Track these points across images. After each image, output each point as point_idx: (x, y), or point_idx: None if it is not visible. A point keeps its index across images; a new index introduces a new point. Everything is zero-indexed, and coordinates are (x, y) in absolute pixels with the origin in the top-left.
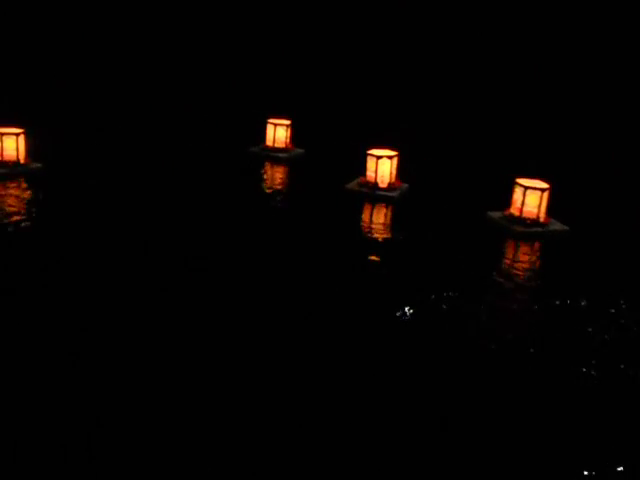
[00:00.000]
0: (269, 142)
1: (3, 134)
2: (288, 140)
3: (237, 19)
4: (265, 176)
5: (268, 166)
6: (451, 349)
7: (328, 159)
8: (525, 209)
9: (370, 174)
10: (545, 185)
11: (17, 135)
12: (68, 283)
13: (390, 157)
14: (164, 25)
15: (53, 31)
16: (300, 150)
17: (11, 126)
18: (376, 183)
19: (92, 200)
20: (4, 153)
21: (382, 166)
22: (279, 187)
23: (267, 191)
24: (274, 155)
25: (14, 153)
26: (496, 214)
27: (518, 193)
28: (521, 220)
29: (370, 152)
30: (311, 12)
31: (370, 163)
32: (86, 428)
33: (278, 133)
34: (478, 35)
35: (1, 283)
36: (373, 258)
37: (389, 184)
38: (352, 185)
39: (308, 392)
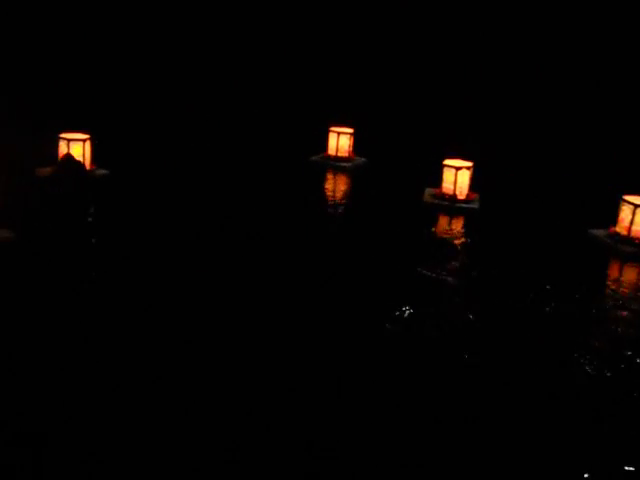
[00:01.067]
0: (331, 151)
1: (70, 140)
2: (350, 149)
3: (302, 25)
4: (327, 186)
5: (330, 175)
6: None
7: (392, 169)
8: (634, 228)
9: (448, 186)
10: None
11: (84, 141)
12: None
13: (469, 168)
14: (227, 30)
15: (121, 37)
16: (363, 159)
17: (78, 132)
18: (454, 195)
19: (156, 206)
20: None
21: (461, 177)
22: (343, 197)
23: (329, 201)
24: (336, 164)
25: (91, 159)
26: (600, 232)
27: (626, 211)
28: (629, 240)
29: (447, 163)
30: (374, 18)
31: (448, 174)
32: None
33: (340, 142)
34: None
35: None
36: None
37: (467, 195)
38: (426, 197)
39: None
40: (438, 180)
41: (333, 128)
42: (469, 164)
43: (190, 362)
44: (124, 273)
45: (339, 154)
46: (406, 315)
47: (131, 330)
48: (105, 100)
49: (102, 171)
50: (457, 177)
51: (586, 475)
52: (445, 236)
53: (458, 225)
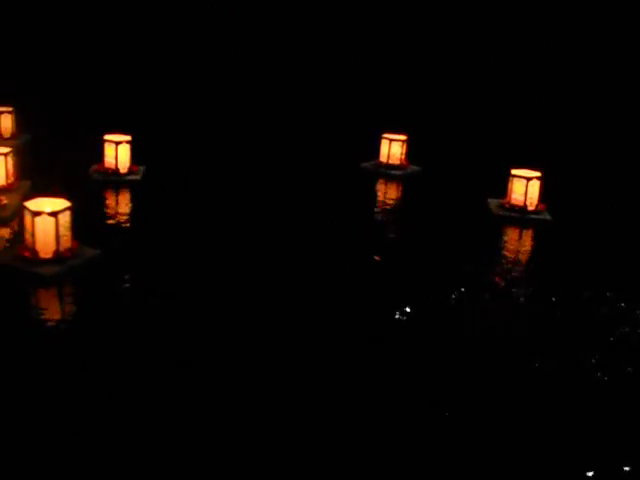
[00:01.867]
0: (383, 158)
1: (118, 142)
2: (403, 157)
3: (358, 31)
4: (378, 193)
5: (381, 183)
6: None
7: (448, 178)
8: None
9: (517, 197)
10: None
11: (117, 144)
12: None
13: (539, 178)
14: (281, 34)
15: (159, 39)
16: (416, 167)
17: (116, 133)
18: (525, 206)
19: (198, 207)
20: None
21: (531, 188)
22: (394, 206)
23: (380, 210)
24: (387, 172)
25: (130, 159)
26: None
27: None
28: None
29: (516, 173)
30: (428, 23)
31: (518, 185)
32: None
33: (393, 149)
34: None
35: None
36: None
37: (536, 206)
38: (493, 208)
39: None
40: (500, 190)
41: (386, 135)
42: (538, 174)
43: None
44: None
45: (391, 161)
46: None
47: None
48: (145, 101)
49: (140, 169)
50: (528, 187)
51: (590, 474)
52: (525, 250)
53: (531, 238)
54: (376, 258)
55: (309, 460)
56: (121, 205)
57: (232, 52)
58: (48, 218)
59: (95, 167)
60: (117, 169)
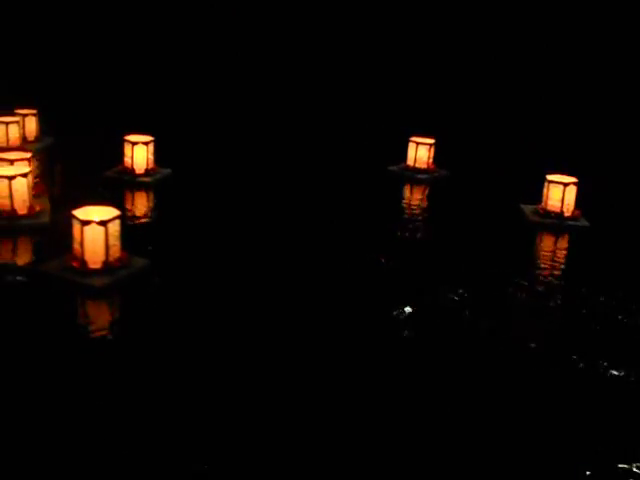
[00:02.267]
0: (410, 162)
1: (135, 143)
2: (430, 160)
3: (386, 34)
4: (401, 197)
5: (407, 187)
6: None
7: (477, 183)
8: None
9: (554, 203)
10: None
11: (147, 143)
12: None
13: (575, 184)
14: (307, 41)
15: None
16: (444, 172)
17: (140, 134)
18: (562, 212)
19: (224, 208)
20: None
21: (568, 194)
22: (417, 210)
23: (401, 214)
24: (414, 175)
25: (147, 160)
26: None
27: None
28: None
29: (553, 179)
30: (461, 24)
31: (555, 191)
32: None
33: (420, 152)
34: None
35: None
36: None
37: (572, 212)
38: (528, 215)
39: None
40: (532, 196)
41: (413, 138)
42: (574, 179)
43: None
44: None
45: (417, 165)
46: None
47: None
48: (168, 102)
49: (166, 171)
50: (565, 193)
51: (588, 473)
52: (564, 256)
53: (569, 244)
54: (382, 260)
55: (309, 460)
56: (136, 206)
57: (261, 55)
58: (97, 227)
59: (114, 168)
60: (133, 170)
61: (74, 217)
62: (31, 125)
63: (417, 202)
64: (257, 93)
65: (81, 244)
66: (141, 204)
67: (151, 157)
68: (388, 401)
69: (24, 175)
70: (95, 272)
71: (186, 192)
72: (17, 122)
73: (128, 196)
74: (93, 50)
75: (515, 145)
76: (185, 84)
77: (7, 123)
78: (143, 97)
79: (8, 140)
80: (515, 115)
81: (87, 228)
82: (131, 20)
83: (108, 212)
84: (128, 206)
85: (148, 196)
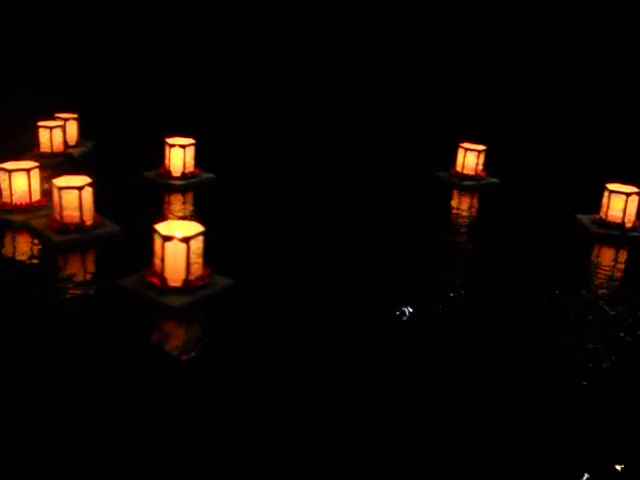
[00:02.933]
0: (458, 167)
1: (172, 146)
2: (479, 167)
3: (437, 39)
4: (445, 203)
5: (452, 193)
6: None
7: (527, 191)
8: None
9: (615, 213)
10: None
11: (186, 146)
12: None
13: (638, 194)
14: (357, 46)
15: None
16: (494, 179)
17: (180, 136)
18: (623, 223)
19: (267, 212)
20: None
21: (631, 204)
22: (460, 217)
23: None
24: (460, 182)
25: (184, 163)
26: None
27: None
28: None
29: (613, 188)
30: (515, 28)
31: (617, 201)
32: None
33: (468, 158)
34: None
35: None
36: None
37: (633, 223)
38: (587, 225)
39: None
40: (587, 205)
41: (463, 144)
42: (636, 189)
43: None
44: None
45: (465, 171)
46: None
47: None
48: (209, 105)
49: (208, 175)
50: (627, 204)
51: (586, 475)
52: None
53: (632, 256)
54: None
55: (308, 460)
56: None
57: (306, 60)
58: (179, 244)
59: (155, 170)
60: (169, 172)
61: (156, 231)
62: (72, 130)
63: (458, 208)
64: (306, 98)
65: (162, 260)
66: (172, 207)
67: (190, 160)
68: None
69: (90, 184)
70: (175, 290)
71: (220, 196)
72: (61, 127)
73: (157, 197)
74: (143, 55)
75: (571, 153)
76: (234, 90)
77: (51, 128)
78: (199, 102)
79: (52, 145)
80: (574, 121)
81: (168, 244)
82: (178, 25)
83: (191, 228)
84: (154, 206)
85: (179, 199)
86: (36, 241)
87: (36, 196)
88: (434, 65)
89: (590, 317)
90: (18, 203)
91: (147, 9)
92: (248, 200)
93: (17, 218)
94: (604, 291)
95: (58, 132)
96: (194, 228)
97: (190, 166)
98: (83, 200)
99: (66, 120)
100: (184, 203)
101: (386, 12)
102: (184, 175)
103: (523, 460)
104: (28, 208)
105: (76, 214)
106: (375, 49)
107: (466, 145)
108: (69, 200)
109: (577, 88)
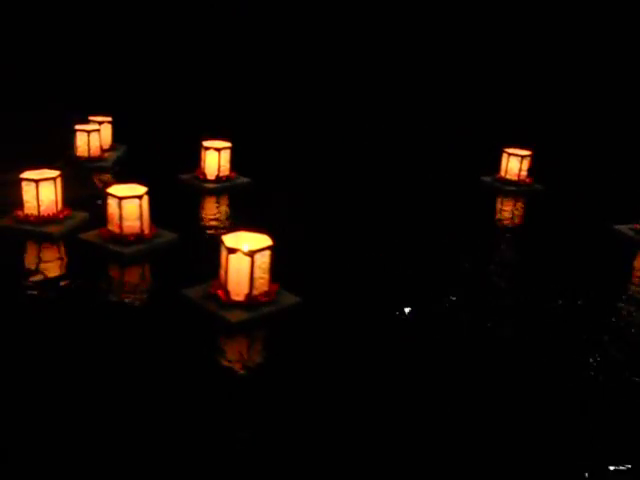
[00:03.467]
0: (502, 173)
1: (207, 148)
2: (523, 173)
3: (483, 46)
4: (485, 208)
5: (493, 198)
6: None
7: (573, 199)
8: None
9: None
10: None
11: (221, 149)
12: None
13: None
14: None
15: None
16: (538, 186)
17: (217, 139)
18: None
19: (308, 215)
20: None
21: None
22: (501, 223)
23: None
24: (504, 187)
25: (218, 167)
26: None
27: None
28: None
29: None
30: (565, 37)
31: None
32: None
33: (511, 164)
34: None
35: None
36: None
37: None
38: (625, 233)
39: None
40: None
41: (507, 149)
42: None
43: None
44: None
45: (508, 176)
46: None
47: None
48: (247, 110)
49: (243, 179)
50: None
51: (586, 474)
52: None
53: None
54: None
55: (306, 460)
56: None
57: (347, 62)
58: (244, 257)
59: (190, 173)
60: (204, 175)
61: (222, 243)
62: (106, 133)
63: (493, 214)
64: (348, 100)
65: (226, 272)
66: (204, 210)
67: (225, 164)
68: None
69: (148, 193)
70: (237, 305)
71: (251, 200)
72: (98, 130)
73: (187, 200)
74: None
75: (621, 163)
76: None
77: (89, 132)
78: (240, 105)
79: (90, 149)
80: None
81: (233, 257)
82: (219, 29)
83: (259, 240)
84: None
85: (211, 202)
86: (100, 254)
87: (60, 206)
88: (485, 68)
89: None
90: (45, 214)
91: (184, 12)
92: (286, 205)
93: (53, 230)
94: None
95: (95, 136)
96: (262, 241)
97: (225, 169)
98: (144, 210)
99: (100, 123)
100: (218, 207)
101: (438, 14)
102: (219, 178)
103: (523, 460)
104: (56, 219)
105: (137, 224)
106: (422, 52)
107: (510, 150)
108: (130, 210)
109: (632, 94)
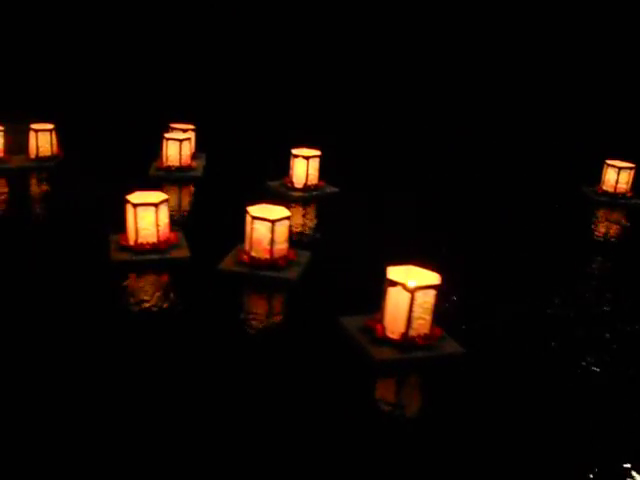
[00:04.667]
0: (603, 185)
1: (296, 156)
2: (627, 185)
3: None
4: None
5: (601, 212)
6: None
7: None
8: None
9: None
10: None
11: (307, 158)
12: None
13: None
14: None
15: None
16: (636, 199)
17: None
18: None
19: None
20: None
21: None
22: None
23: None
24: (598, 199)
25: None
26: None
27: None
28: None
29: None
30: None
31: None
32: None
33: (609, 175)
34: None
35: None
36: None
37: None
38: None
39: None
40: None
41: (609, 161)
42: None
43: None
44: None
45: (605, 188)
46: None
47: None
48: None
49: (332, 189)
50: None
51: (591, 476)
52: None
53: None
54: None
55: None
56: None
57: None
58: (403, 292)
59: (280, 180)
60: (292, 183)
61: (389, 281)
62: (191, 142)
63: (586, 225)
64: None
65: (384, 306)
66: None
67: (313, 172)
68: None
69: (288, 218)
70: (389, 342)
71: (339, 210)
72: (189, 139)
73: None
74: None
75: None
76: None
77: (181, 140)
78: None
79: (181, 158)
80: None
81: (392, 289)
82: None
83: (424, 276)
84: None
85: (298, 210)
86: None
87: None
88: (593, 80)
89: None
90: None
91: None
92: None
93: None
94: None
95: (186, 145)
96: (428, 278)
97: (313, 178)
98: (277, 234)
99: (184, 131)
100: (304, 216)
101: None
102: (306, 187)
103: (524, 460)
104: (163, 247)
105: (285, 246)
106: (527, 66)
107: (610, 162)
108: (263, 233)
109: None
